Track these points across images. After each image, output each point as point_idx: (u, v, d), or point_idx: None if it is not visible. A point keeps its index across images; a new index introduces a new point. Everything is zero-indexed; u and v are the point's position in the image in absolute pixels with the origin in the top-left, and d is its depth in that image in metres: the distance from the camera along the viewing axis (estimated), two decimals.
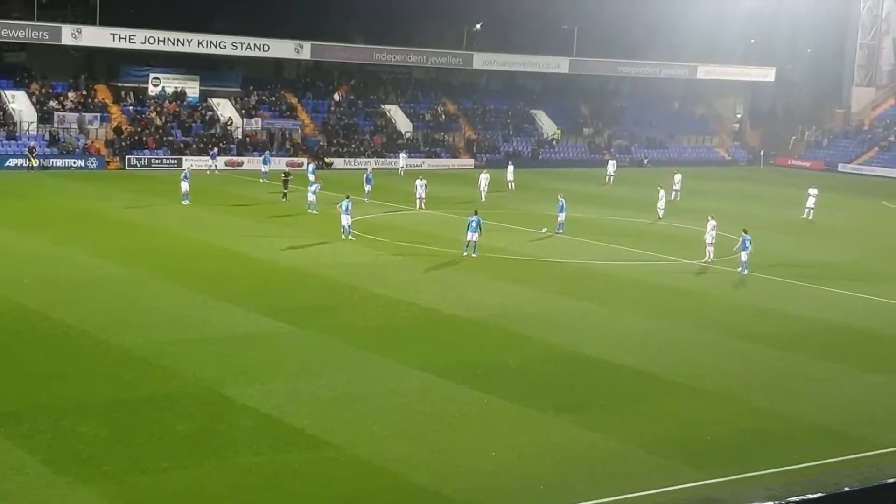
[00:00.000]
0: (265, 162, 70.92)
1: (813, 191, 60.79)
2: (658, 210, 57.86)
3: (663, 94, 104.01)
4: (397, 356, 28.48)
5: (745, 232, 43.30)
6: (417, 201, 57.81)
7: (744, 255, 42.80)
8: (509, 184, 70.23)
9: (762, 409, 25.62)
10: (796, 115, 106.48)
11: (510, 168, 72.33)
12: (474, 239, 43.00)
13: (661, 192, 58.52)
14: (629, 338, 31.72)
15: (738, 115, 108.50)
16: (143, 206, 55.47)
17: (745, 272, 42.46)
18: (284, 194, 59.66)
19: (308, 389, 25.50)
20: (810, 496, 19.79)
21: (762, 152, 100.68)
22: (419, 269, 40.82)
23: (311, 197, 54.22)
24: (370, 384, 26.11)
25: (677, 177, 68.04)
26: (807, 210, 60.31)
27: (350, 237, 46.26)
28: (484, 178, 63.86)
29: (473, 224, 43.13)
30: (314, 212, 53.40)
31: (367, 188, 60.25)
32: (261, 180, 68.21)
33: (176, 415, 23.37)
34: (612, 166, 79.33)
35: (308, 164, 70.54)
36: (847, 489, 20.79)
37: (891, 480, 21.27)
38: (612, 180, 77.18)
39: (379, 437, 22.54)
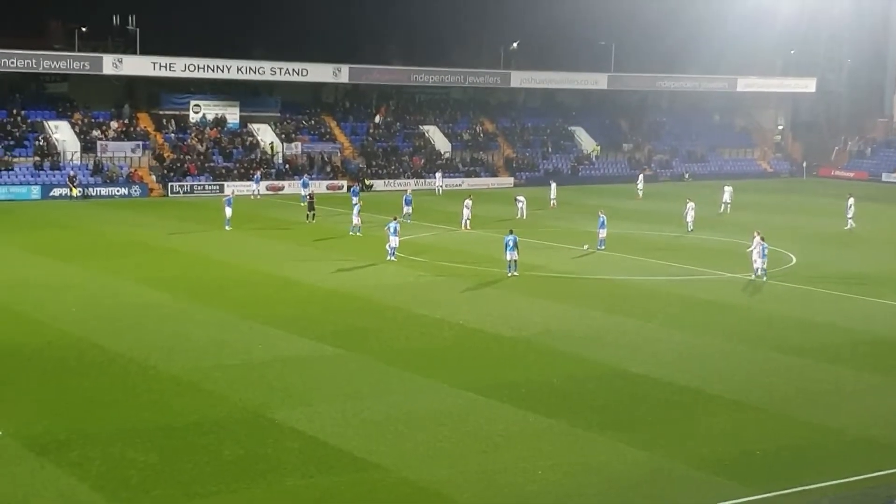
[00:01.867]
0: (304, 185, 71.30)
1: (850, 200, 60.46)
2: (687, 222, 57.91)
3: (703, 107, 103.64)
4: (441, 376, 28.53)
5: (763, 239, 43.73)
6: (465, 222, 57.73)
7: (759, 262, 43.17)
8: (552, 201, 70.38)
9: (808, 423, 25.44)
10: (838, 126, 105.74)
11: (553, 186, 72.67)
12: (514, 257, 43.02)
13: (690, 204, 58.61)
14: (673, 354, 31.61)
15: (780, 127, 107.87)
16: (187, 232, 55.90)
17: (765, 278, 42.99)
18: (308, 216, 60.10)
19: (353, 412, 25.59)
20: None
21: (805, 163, 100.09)
22: (461, 289, 40.88)
23: (355, 220, 54.41)
24: (414, 405, 26.17)
25: (727, 189, 67.96)
26: (848, 221, 59.92)
27: (393, 258, 46.44)
28: (520, 199, 63.86)
29: (511, 243, 43.19)
30: (359, 234, 53.57)
31: (408, 209, 60.43)
32: (301, 203, 68.50)
33: (223, 439, 23.51)
34: (640, 181, 79.65)
35: (351, 187, 70.84)
36: None
37: None
38: (641, 194, 77.18)
39: (425, 458, 22.58)
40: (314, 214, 60.37)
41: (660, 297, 40.43)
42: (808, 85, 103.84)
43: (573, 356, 31.01)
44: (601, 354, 31.19)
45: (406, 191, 66.34)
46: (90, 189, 72.56)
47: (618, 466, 22.50)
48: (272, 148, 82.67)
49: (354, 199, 61.32)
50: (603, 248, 50.37)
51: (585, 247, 50.89)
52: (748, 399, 27.23)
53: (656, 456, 23.04)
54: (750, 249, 44.38)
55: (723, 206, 65.92)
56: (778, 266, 46.24)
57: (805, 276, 44.42)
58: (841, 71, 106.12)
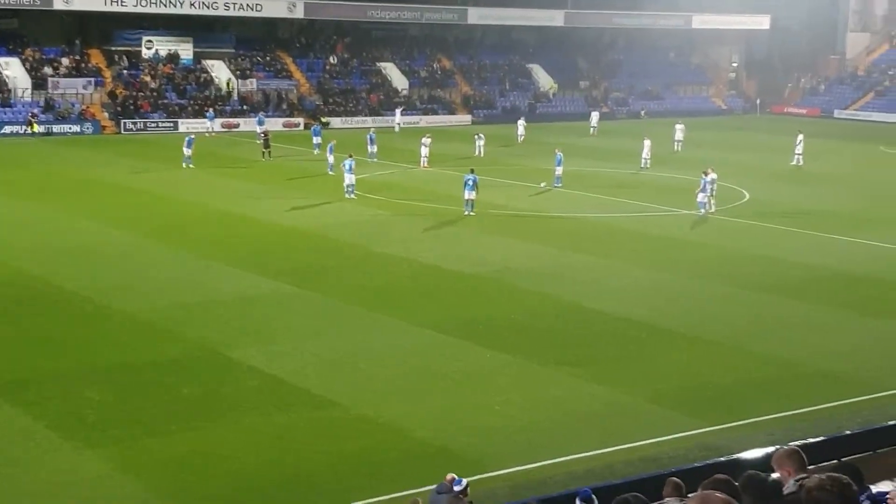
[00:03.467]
0: (260, 123, 70.88)
1: (799, 136, 60.65)
2: (643, 158, 58.21)
3: (659, 45, 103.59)
4: (399, 314, 28.58)
5: (708, 171, 44.55)
6: (422, 159, 57.53)
7: (701, 195, 43.88)
8: (519, 137, 70.59)
9: (763, 356, 25.72)
10: (792, 63, 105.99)
11: (521, 122, 73.26)
12: (472, 197, 42.87)
13: (647, 143, 58.88)
14: (631, 290, 31.79)
15: (734, 64, 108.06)
16: (142, 171, 55.27)
17: (704, 212, 43.67)
18: (264, 153, 59.74)
19: (312, 350, 25.60)
20: (811, 440, 20.13)
21: (759, 101, 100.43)
22: (420, 227, 40.84)
23: (330, 158, 53.65)
24: (373, 343, 26.21)
25: (679, 127, 67.85)
26: (796, 156, 60.21)
27: (353, 196, 46.26)
28: (478, 138, 63.69)
29: (470, 182, 42.93)
30: (331, 173, 52.68)
31: (373, 148, 59.74)
32: (257, 141, 67.97)
33: (182, 378, 23.49)
34: (594, 118, 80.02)
35: (312, 126, 70.28)
36: (848, 432, 21.09)
37: (892, 423, 21.49)
38: (595, 132, 77.40)
39: (383, 395, 22.67)
40: (269, 152, 59.95)
41: (617, 233, 40.58)
42: (763, 22, 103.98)
43: (531, 293, 31.11)
44: (559, 291, 31.32)
45: (370, 129, 65.69)
46: (40, 126, 71.54)
47: (575, 401, 22.70)
48: (228, 84, 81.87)
49: (317, 139, 61.18)
50: (560, 185, 50.40)
51: (543, 184, 50.93)
52: (704, 333, 27.48)
53: (613, 390, 23.26)
54: (699, 189, 44.43)
55: (675, 143, 65.99)
56: (731, 202, 46.49)
57: (758, 212, 44.70)
58: (795, 8, 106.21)
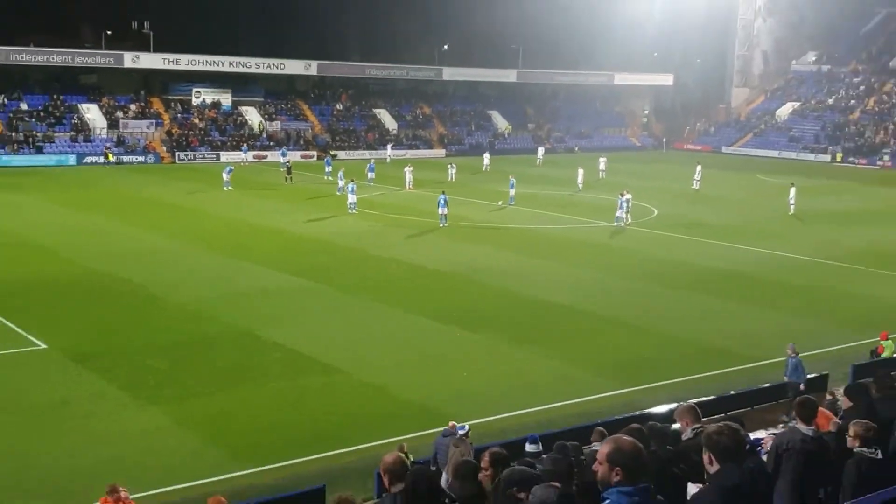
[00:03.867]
0: (282, 155, 70.74)
1: (698, 167, 60.99)
2: (578, 183, 58.47)
3: (589, 96, 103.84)
4: (390, 303, 28.58)
5: (624, 193, 44.94)
6: (407, 184, 57.38)
7: (619, 211, 44.21)
8: (486, 166, 70.68)
9: (671, 336, 25.89)
10: (689, 110, 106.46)
11: (487, 155, 73.58)
12: (444, 212, 42.79)
13: (581, 171, 59.30)
14: (570, 285, 31.84)
15: (646, 112, 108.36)
16: (191, 192, 55.01)
17: (622, 224, 43.78)
18: (287, 179, 59.53)
19: (322, 330, 25.59)
20: (704, 399, 20.23)
21: (664, 139, 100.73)
22: (406, 236, 40.79)
23: (340, 182, 53.34)
24: (371, 325, 26.22)
25: (602, 160, 67.91)
26: (695, 181, 60.51)
27: (354, 212, 46.21)
28: (451, 167, 63.78)
29: (442, 201, 42.96)
30: (339, 194, 52.24)
31: (372, 175, 59.51)
32: (280, 169, 67.69)
33: (220, 352, 23.46)
34: (541, 152, 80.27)
35: (324, 157, 70.20)
36: (732, 392, 21.20)
37: (766, 385, 21.68)
38: (542, 161, 77.56)
39: (377, 366, 22.68)
40: (291, 178, 59.81)
41: (559, 241, 40.67)
42: (667, 79, 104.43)
43: (494, 287, 31.15)
44: (516, 285, 31.36)
45: (370, 160, 65.40)
46: (113, 157, 71.30)
47: (528, 370, 22.79)
48: (260, 126, 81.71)
49: (328, 168, 61.05)
50: (513, 203, 50.43)
51: (500, 203, 50.94)
52: (626, 318, 27.60)
53: (558, 362, 23.36)
54: (619, 206, 44.63)
55: (600, 172, 65.82)
56: (644, 217, 46.70)
57: (665, 225, 44.91)
58: (692, 68, 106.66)
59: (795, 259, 37.07)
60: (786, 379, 20.38)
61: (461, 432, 15.04)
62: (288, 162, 63.17)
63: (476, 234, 41.90)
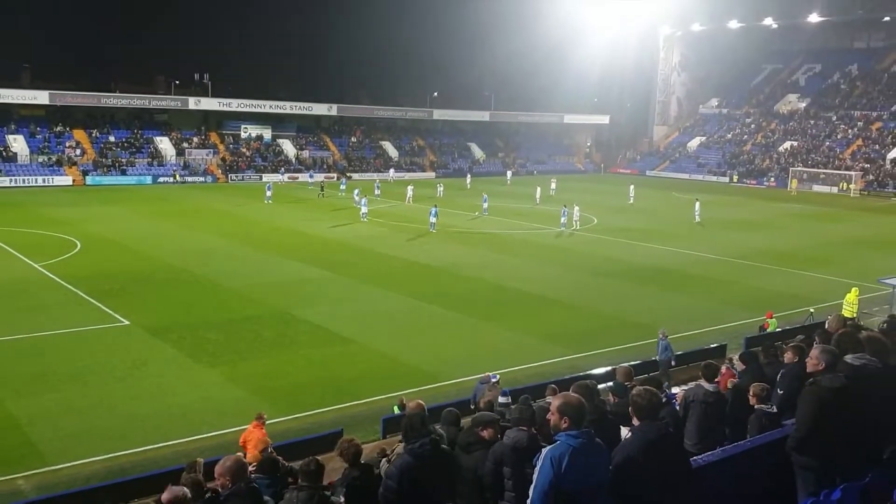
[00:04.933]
0: (310, 176, 70.59)
1: (632, 187, 61.04)
2: (536, 198, 58.45)
3: (544, 131, 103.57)
4: (393, 289, 28.52)
5: (566, 206, 44.94)
6: (407, 199, 57.05)
7: (563, 219, 44.16)
8: (468, 184, 70.60)
9: (605, 314, 25.92)
10: (622, 143, 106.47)
11: (468, 176, 74.01)
12: (434, 221, 42.58)
13: (539, 189, 59.25)
14: (529, 275, 31.84)
15: (588, 143, 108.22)
16: (240, 204, 54.79)
17: (565, 230, 43.60)
18: (320, 194, 59.47)
19: (342, 309, 25.52)
20: (632, 363, 20.01)
21: (602, 165, 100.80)
22: (405, 239, 40.71)
23: (356, 198, 53.18)
24: (377, 305, 26.17)
25: (553, 180, 67.73)
26: (630, 198, 60.56)
27: (365, 220, 46.04)
28: (439, 186, 63.68)
29: (433, 212, 42.79)
30: (356, 206, 51.97)
31: (378, 192, 59.61)
32: (309, 187, 67.63)
33: (263, 326, 23.36)
34: (509, 174, 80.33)
35: (340, 178, 70.03)
36: (654, 359, 20.89)
37: (678, 353, 21.40)
38: (510, 182, 77.51)
39: (384, 337, 22.64)
40: (324, 194, 59.66)
41: (520, 242, 40.67)
42: (604, 119, 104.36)
43: (471, 277, 31.13)
44: (487, 276, 31.34)
45: (376, 181, 65.17)
46: (180, 178, 70.98)
47: (495, 340, 22.77)
48: (297, 157, 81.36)
49: (342, 187, 60.97)
50: (486, 214, 50.31)
51: (476, 214, 50.80)
52: (572, 301, 27.62)
53: (519, 334, 23.34)
54: (571, 214, 44.66)
55: (551, 191, 65.44)
56: (587, 224, 46.75)
57: (604, 230, 44.95)
58: (622, 111, 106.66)
59: (700, 256, 37.18)
60: (657, 358, 19.28)
61: (493, 380, 15.25)
62: (323, 181, 63.11)
63: (457, 237, 41.86)
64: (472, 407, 14.38)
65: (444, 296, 27.72)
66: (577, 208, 45.12)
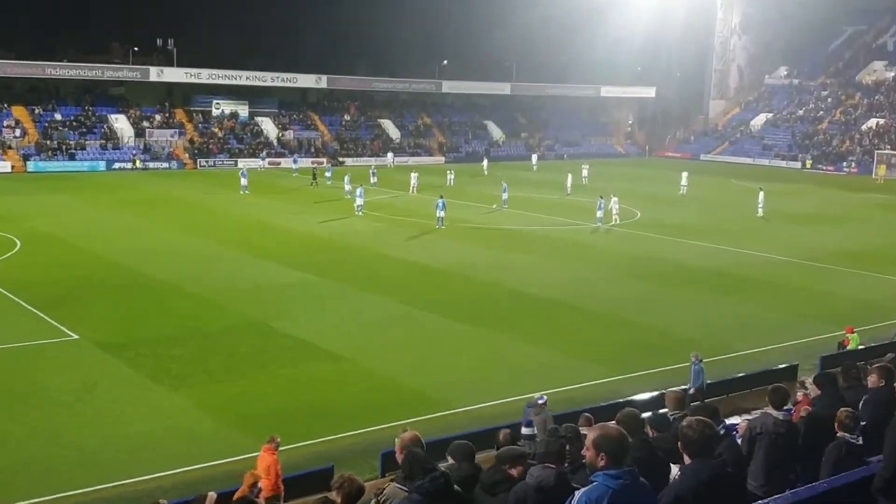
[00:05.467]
0: (294, 161, 70.77)
1: (683, 174, 60.92)
2: (566, 187, 58.36)
3: (577, 107, 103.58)
4: (391, 295, 28.53)
5: (602, 197, 44.82)
6: (411, 188, 57.05)
7: (599, 213, 44.00)
8: (485, 171, 70.58)
9: (647, 326, 25.82)
10: (670, 121, 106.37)
11: (485, 161, 73.82)
12: (442, 215, 42.52)
13: (569, 176, 59.11)
14: (554, 279, 31.78)
15: (630, 122, 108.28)
16: (211, 194, 55.03)
17: (601, 225, 43.56)
18: (312, 183, 59.69)
19: (329, 320, 25.53)
20: (681, 387, 20.01)
21: (647, 147, 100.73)
22: (406, 236, 40.72)
23: (347, 187, 53.24)
24: (372, 315, 26.16)
25: (585, 167, 67.27)
26: (682, 187, 60.37)
27: (360, 214, 46.11)
28: (449, 173, 63.57)
29: (440, 204, 42.74)
30: (349, 198, 52.01)
31: (374, 179, 59.84)
32: (292, 175, 67.86)
33: (236, 341, 23.38)
34: (534, 158, 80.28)
35: (328, 165, 70.24)
36: (709, 382, 20.87)
37: (739, 375, 21.44)
38: (535, 168, 77.41)
39: (379, 353, 22.63)
40: (317, 182, 59.87)
41: (547, 240, 40.62)
42: (650, 92, 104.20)
43: (483, 281, 31.11)
44: (503, 279, 31.30)
45: (371, 166, 65.22)
46: (140, 163, 71.24)
47: (514, 357, 22.72)
48: (279, 136, 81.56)
49: (328, 174, 61.23)
50: (506, 206, 50.32)
51: (494, 206, 50.82)
52: (605, 309, 27.54)
53: (543, 349, 23.29)
54: (609, 207, 44.67)
55: (584, 178, 65.13)
56: (627, 219, 46.64)
57: (648, 226, 44.85)
58: (672, 82, 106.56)
59: (764, 257, 37.00)
60: (689, 388, 18.78)
61: (540, 402, 15.56)
62: (315, 168, 63.26)
63: (470, 234, 41.79)
64: (525, 437, 14.71)
65: (453, 304, 27.66)
66: (615, 199, 45.07)
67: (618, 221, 44.57)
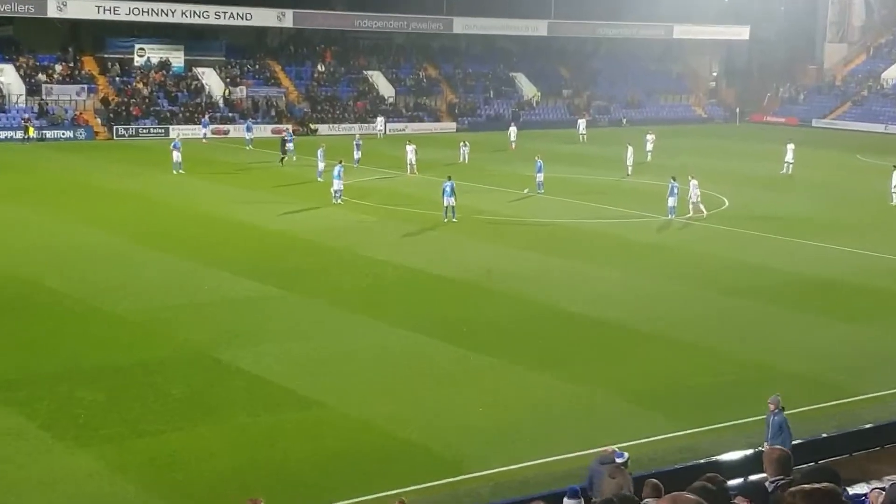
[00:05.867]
0: (248, 130, 70.77)
1: (789, 146, 60.75)
2: (627, 167, 58.19)
3: (640, 54, 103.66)
4: (384, 316, 28.51)
5: (674, 179, 44.72)
6: (409, 166, 57.23)
7: (671, 200, 43.98)
8: (512, 143, 70.49)
9: (738, 358, 25.71)
10: (771, 73, 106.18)
11: (512, 129, 73.29)
12: (451, 203, 42.49)
13: (630, 150, 58.79)
14: (609, 293, 31.75)
15: (714, 74, 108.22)
16: (134, 175, 55.10)
17: (674, 218, 43.77)
18: (282, 159, 59.81)
19: (298, 351, 25.53)
20: (779, 447, 19.91)
21: (738, 109, 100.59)
22: (405, 232, 40.75)
23: (321, 165, 53.48)
24: (358, 344, 26.14)
25: (650, 137, 66.78)
26: (786, 165, 60.17)
27: (339, 202, 46.15)
28: (463, 145, 63.44)
29: (448, 189, 42.56)
30: (321, 179, 52.34)
31: (358, 154, 59.72)
32: (246, 148, 67.94)
33: (170, 378, 23.40)
34: (582, 125, 79.70)
35: (294, 131, 70.37)
36: (824, 435, 20.97)
37: (867, 426, 21.43)
38: (584, 138, 77.31)
39: (368, 396, 22.61)
40: (287, 158, 60.18)
41: (596, 238, 40.53)
42: (742, 33, 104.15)
43: (512, 296, 31.07)
44: (539, 295, 31.26)
45: (356, 136, 64.87)
46: (34, 132, 71.17)
47: (556, 402, 22.66)
48: (226, 93, 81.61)
49: (290, 145, 61.55)
50: (541, 191, 50.33)
51: (525, 191, 50.78)
52: (681, 336, 27.45)
53: (593, 391, 23.23)
54: (686, 191, 44.57)
55: (647, 153, 64.85)
56: (711, 209, 46.53)
57: (737, 218, 44.72)
58: (774, 19, 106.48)
59: None
60: (766, 445, 18.03)
61: (619, 460, 15.50)
62: (285, 136, 63.45)
63: (492, 229, 41.80)
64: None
65: (467, 326, 27.64)
66: (694, 182, 44.99)
67: (704, 214, 44.40)
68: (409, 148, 57.80)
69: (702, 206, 44.67)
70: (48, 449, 19.65)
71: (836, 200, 51.31)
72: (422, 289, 32.21)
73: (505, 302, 30.55)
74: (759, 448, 16.36)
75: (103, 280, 31.87)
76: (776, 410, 19.04)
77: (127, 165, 59.07)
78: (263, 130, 75.13)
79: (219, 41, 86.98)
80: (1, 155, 62.96)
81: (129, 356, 24.88)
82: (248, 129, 70.81)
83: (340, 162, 48.26)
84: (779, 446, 14.11)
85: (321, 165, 52.95)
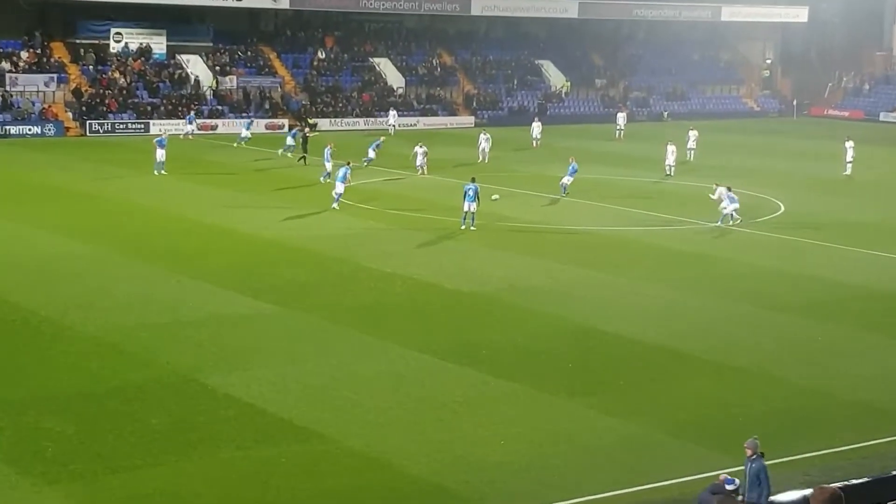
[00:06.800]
0: (247, 127, 70.49)
1: (849, 144, 60.53)
2: (666, 167, 58.14)
3: (684, 39, 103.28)
4: (392, 336, 28.52)
5: (718, 184, 45.27)
6: (418, 169, 57.31)
7: (727, 206, 44.20)
8: (535, 141, 70.48)
9: (797, 386, 25.70)
10: (832, 60, 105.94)
11: (536, 124, 73.00)
12: (472, 209, 42.38)
13: (671, 148, 58.80)
14: (648, 310, 31.74)
15: (768, 61, 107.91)
16: (109, 176, 55.21)
17: (723, 224, 44.03)
18: (303, 158, 60.06)
19: (294, 376, 25.54)
20: (854, 481, 19.96)
21: (795, 102, 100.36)
22: (416, 240, 40.78)
23: (328, 165, 53.45)
24: (362, 368, 26.15)
25: (692, 133, 66.60)
26: (846, 165, 59.98)
27: (336, 206, 45.92)
28: (484, 138, 63.51)
29: (471, 192, 42.35)
30: (324, 181, 52.47)
31: (372, 155, 58.53)
32: (234, 145, 67.85)
33: (149, 407, 23.39)
34: (621, 119, 79.84)
35: (292, 128, 70.45)
36: (894, 473, 20.86)
37: None
38: (622, 135, 77.27)
39: (374, 427, 22.60)
40: (293, 153, 60.86)
41: (634, 248, 40.55)
42: (800, 14, 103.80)
43: (539, 314, 31.08)
44: (569, 311, 31.27)
45: (380, 138, 63.40)
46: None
47: (587, 434, 22.64)
48: (214, 83, 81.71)
49: (290, 141, 62.01)
50: (565, 194, 50.19)
51: (565, 194, 50.38)
52: (729, 359, 27.43)
53: (629, 422, 23.19)
54: (722, 205, 44.42)
55: (688, 152, 64.91)
56: (764, 215, 46.44)
57: (794, 226, 44.64)
58: None
59: None
60: (740, 498, 17.96)
61: (730, 487, 15.94)
62: (305, 132, 63.56)
63: (516, 238, 41.85)
64: None
65: (487, 348, 27.67)
66: (721, 190, 44.91)
67: (735, 220, 44.37)
68: (420, 150, 57.72)
69: (733, 213, 44.58)
70: (12, 486, 19.68)
71: None
72: (435, 305, 32.24)
73: (530, 320, 30.56)
74: (814, 486, 16.27)
75: (75, 295, 31.92)
76: (753, 456, 18.67)
77: (101, 165, 59.22)
78: (256, 126, 74.89)
79: (206, 25, 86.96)
80: None
81: (102, 381, 24.90)
82: (247, 127, 70.47)
83: (348, 164, 48.23)
84: (829, 486, 14.01)
85: (328, 166, 52.91)
